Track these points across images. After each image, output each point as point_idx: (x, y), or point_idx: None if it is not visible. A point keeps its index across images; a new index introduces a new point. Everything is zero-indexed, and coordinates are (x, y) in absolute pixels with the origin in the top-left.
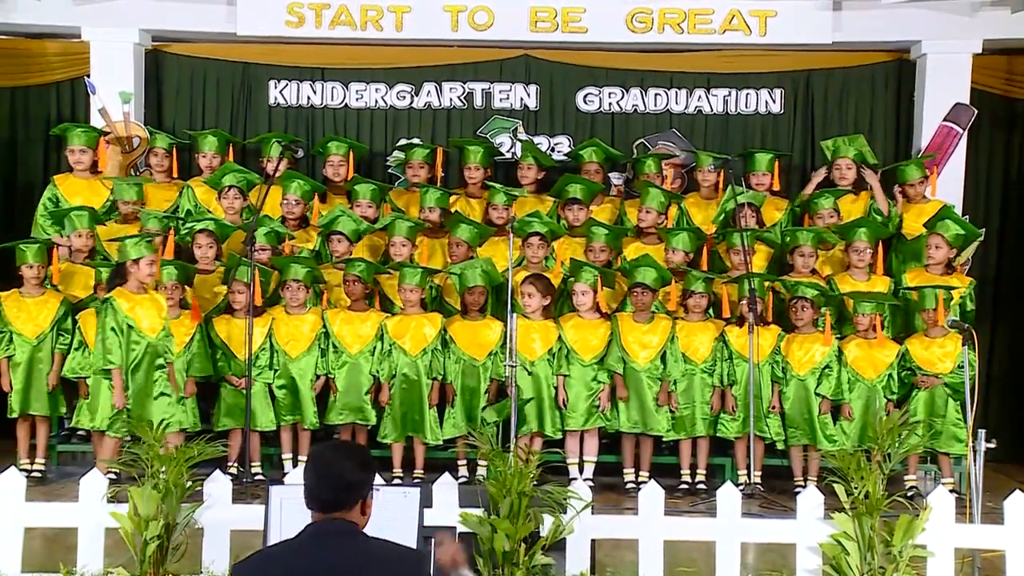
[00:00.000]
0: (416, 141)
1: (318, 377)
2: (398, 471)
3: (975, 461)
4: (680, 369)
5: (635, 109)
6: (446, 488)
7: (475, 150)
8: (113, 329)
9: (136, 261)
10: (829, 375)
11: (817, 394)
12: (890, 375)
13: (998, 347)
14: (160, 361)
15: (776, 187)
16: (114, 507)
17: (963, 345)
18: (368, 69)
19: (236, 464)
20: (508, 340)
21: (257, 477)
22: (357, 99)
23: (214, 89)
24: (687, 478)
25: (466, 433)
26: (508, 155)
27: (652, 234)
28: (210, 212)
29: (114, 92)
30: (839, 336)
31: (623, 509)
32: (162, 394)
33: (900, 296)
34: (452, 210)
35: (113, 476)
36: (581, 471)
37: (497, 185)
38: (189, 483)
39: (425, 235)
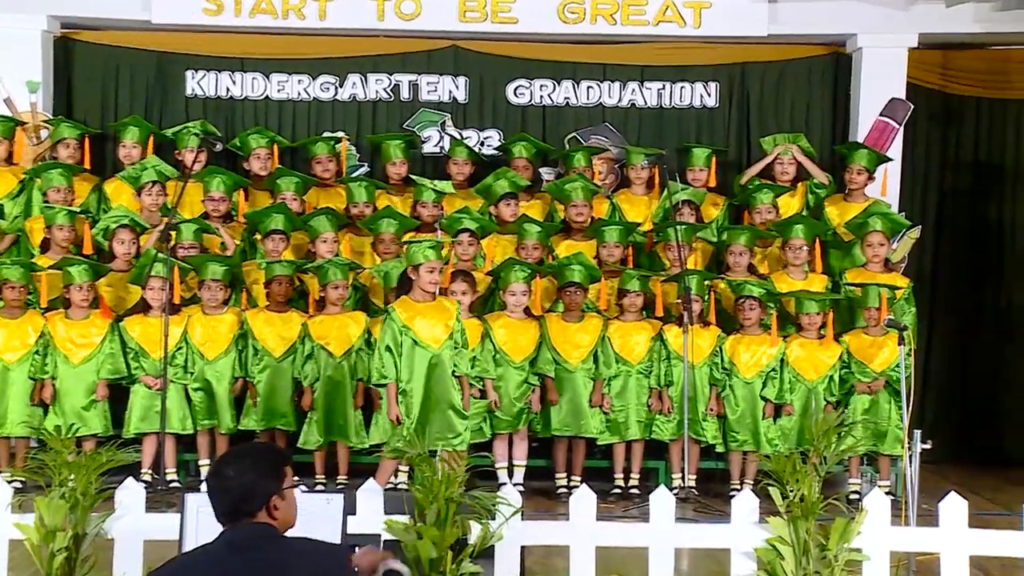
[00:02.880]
0: (340, 134)
1: (236, 379)
2: (321, 477)
3: (911, 462)
4: (612, 370)
5: (567, 102)
6: (370, 494)
7: (395, 144)
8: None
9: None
10: (774, 378)
11: (762, 397)
12: (831, 377)
13: (935, 347)
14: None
15: (713, 183)
16: (19, 517)
17: (899, 345)
18: (290, 60)
19: (150, 471)
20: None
21: (172, 484)
22: (279, 91)
23: (128, 79)
24: (620, 482)
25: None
26: (436, 149)
27: (583, 231)
28: (123, 208)
29: (20, 81)
30: (783, 336)
31: (554, 515)
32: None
33: (842, 294)
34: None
35: (19, 485)
36: (511, 476)
37: (425, 181)
38: (99, 491)
39: (351, 232)
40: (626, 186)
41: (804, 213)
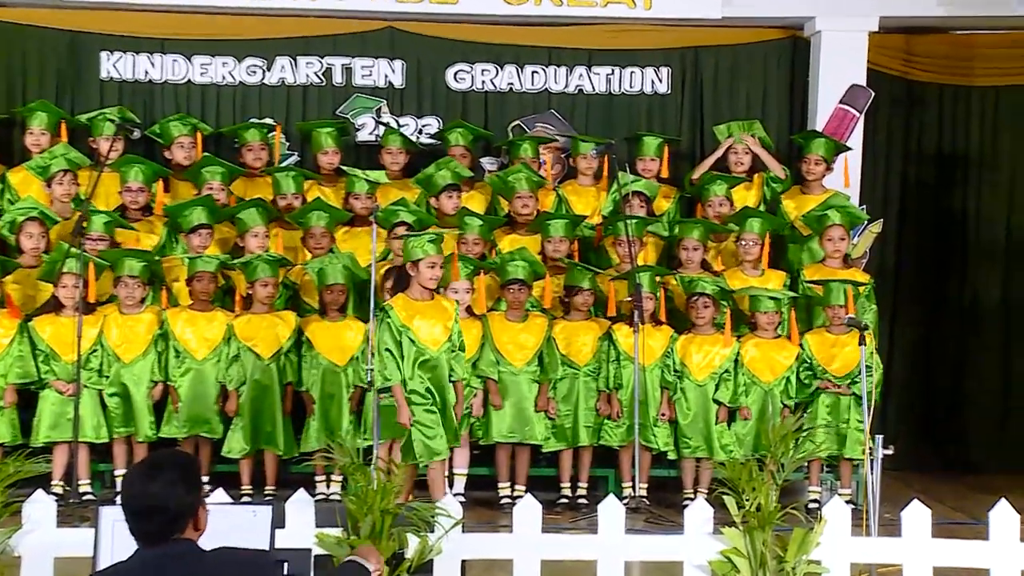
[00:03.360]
0: (268, 121)
1: (156, 384)
2: (247, 488)
3: (872, 469)
4: (559, 372)
5: (510, 88)
6: (300, 506)
7: (327, 132)
8: None
9: None
10: (728, 380)
11: (715, 400)
12: (788, 379)
13: (897, 346)
14: None
15: (665, 174)
16: None
17: (860, 345)
18: (214, 41)
19: (61, 483)
20: (370, 342)
21: (86, 497)
22: (202, 74)
23: (37, 61)
24: (567, 491)
25: (325, 445)
26: (371, 137)
27: (528, 224)
28: (32, 200)
29: None
30: (737, 336)
31: (497, 526)
32: None
33: (800, 291)
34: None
35: None
36: (451, 485)
37: (357, 171)
38: (5, 505)
39: (280, 226)
40: (573, 177)
41: (760, 207)
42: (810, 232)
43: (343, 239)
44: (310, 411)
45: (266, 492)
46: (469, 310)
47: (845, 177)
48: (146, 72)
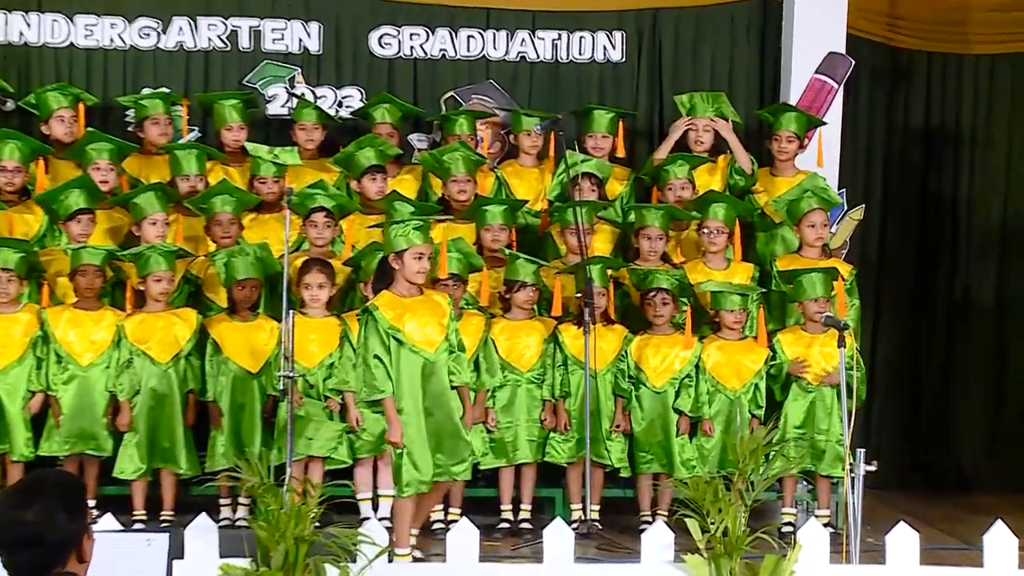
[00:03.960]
0: (164, 90)
1: (33, 394)
2: (141, 513)
3: (853, 487)
4: (497, 379)
5: (443, 55)
6: (202, 533)
7: (231, 105)
8: None
9: None
10: (689, 386)
11: (675, 409)
12: (756, 385)
13: (880, 349)
14: None
15: (620, 152)
16: None
17: (839, 347)
18: None
19: None
20: (284, 344)
21: None
22: (86, 36)
23: None
24: (508, 515)
25: (233, 464)
26: (283, 111)
27: (463, 210)
28: None
29: None
30: (699, 337)
31: (429, 555)
32: None
33: (772, 285)
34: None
35: None
36: (376, 508)
37: (262, 149)
38: None
39: (180, 212)
40: (514, 156)
41: (725, 191)
42: (782, 219)
43: (249, 227)
44: (216, 424)
45: (163, 518)
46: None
47: (819, 155)
48: (20, 34)
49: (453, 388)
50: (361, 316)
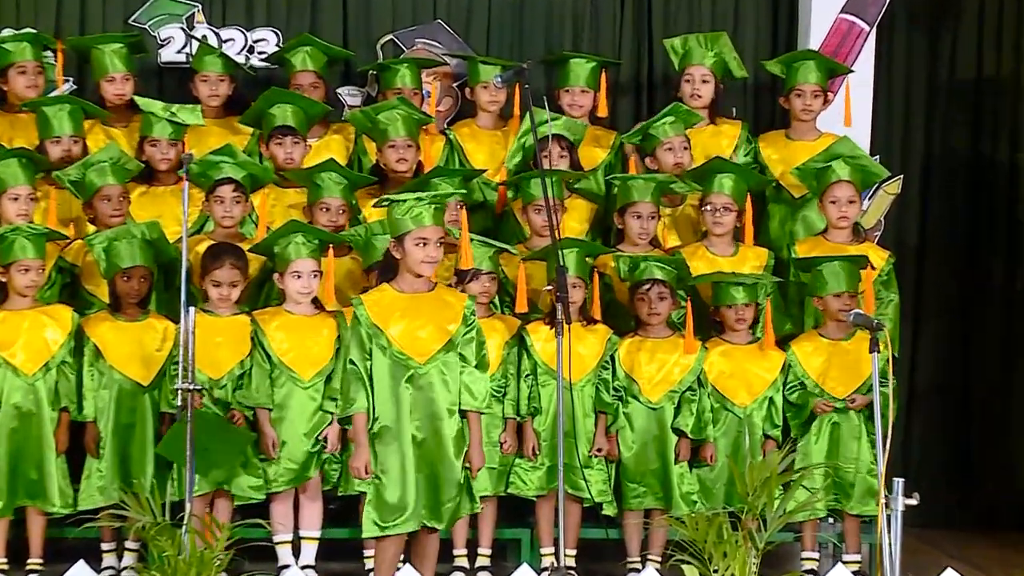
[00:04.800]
0: (31, 31)
1: None
2: (2, 562)
3: (889, 527)
4: None
5: None
6: None
7: (114, 50)
8: None
9: None
10: (692, 400)
11: (674, 430)
12: (771, 399)
13: (922, 354)
14: None
15: (602, 111)
16: None
17: (872, 352)
18: None
19: None
20: (182, 349)
21: None
22: None
23: None
24: (463, 561)
25: (119, 500)
26: (181, 58)
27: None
28: None
29: None
30: (702, 340)
31: None
32: None
33: (789, 276)
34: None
35: None
36: (297, 554)
37: (156, 105)
38: None
39: (51, 184)
40: (470, 116)
41: (734, 157)
42: (804, 193)
43: (139, 202)
44: (93, 450)
45: (29, 567)
46: (318, 303)
47: (845, 113)
48: None
49: (460, 412)
50: (338, 317)
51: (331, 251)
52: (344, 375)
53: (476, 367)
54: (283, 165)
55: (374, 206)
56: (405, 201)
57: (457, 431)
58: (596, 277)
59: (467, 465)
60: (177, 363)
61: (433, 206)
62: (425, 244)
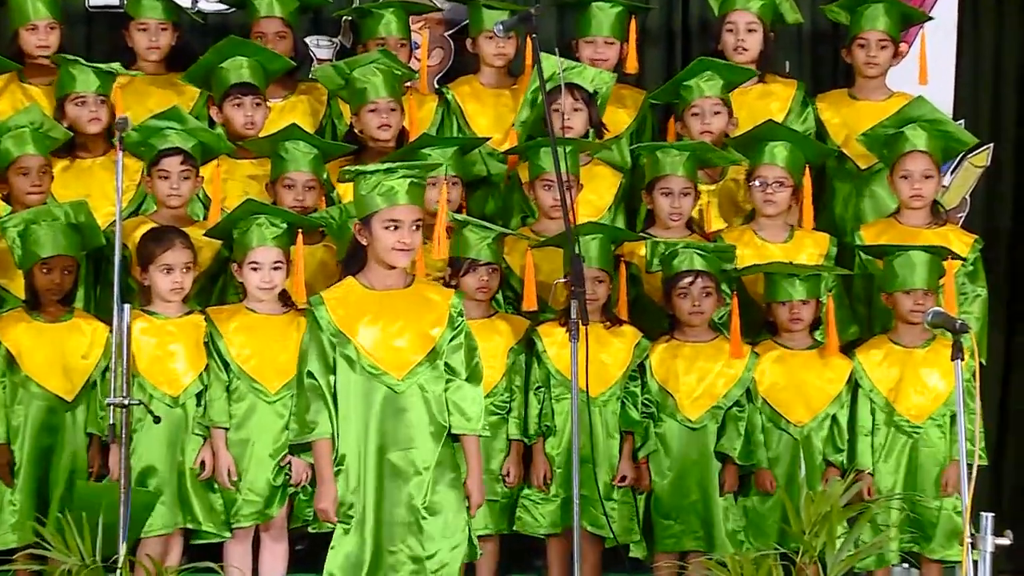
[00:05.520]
0: None
1: None
2: None
3: (977, 573)
4: None
5: None
6: None
7: None
8: None
9: None
10: (739, 418)
11: (718, 455)
12: (834, 417)
13: (1018, 362)
14: None
15: (632, 67)
16: None
17: (954, 360)
18: None
19: None
20: (115, 357)
21: None
22: None
23: None
24: None
25: (35, 540)
26: (115, 2)
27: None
28: None
29: None
30: (751, 343)
31: None
32: None
33: (855, 267)
34: None
35: None
36: None
37: (78, 60)
38: None
39: None
40: (470, 71)
41: (789, 122)
42: (872, 164)
43: (63, 178)
44: (6, 478)
45: None
46: (285, 297)
47: (921, 69)
48: None
49: (452, 437)
50: (298, 314)
51: (300, 237)
52: (301, 392)
53: (467, 380)
54: (242, 131)
55: (339, 180)
56: (373, 173)
57: (442, 461)
58: (623, 268)
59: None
60: (109, 372)
61: (408, 180)
62: (397, 227)
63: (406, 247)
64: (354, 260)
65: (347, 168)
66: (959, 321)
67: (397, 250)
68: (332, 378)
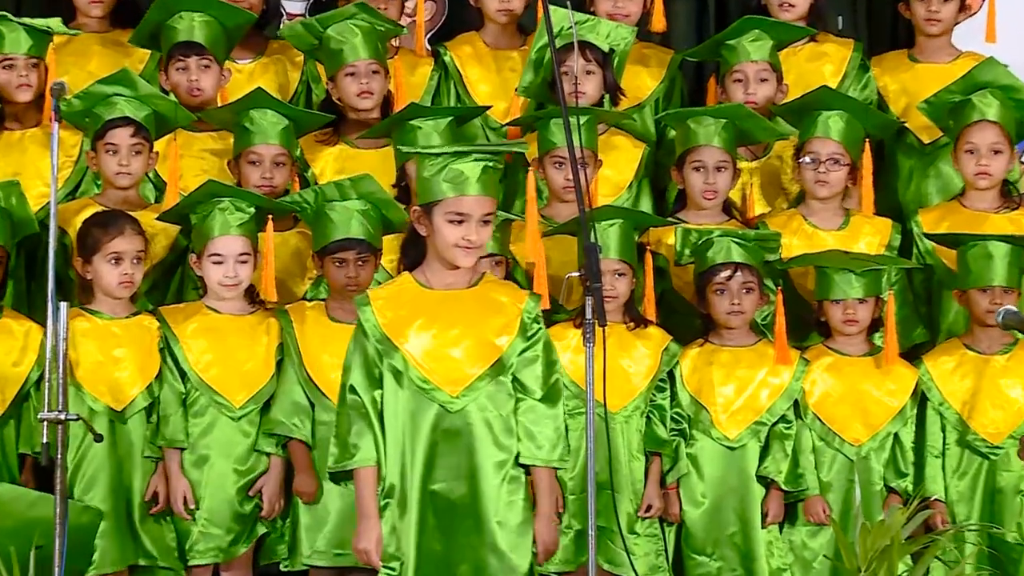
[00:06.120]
0: None
1: None
2: None
3: None
4: None
5: None
6: None
7: None
8: None
9: None
10: (785, 436)
11: (760, 479)
12: (896, 436)
13: None
14: None
15: (658, 24)
16: None
17: None
18: None
19: None
20: (50, 363)
21: None
22: None
23: None
24: None
25: None
26: None
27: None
28: None
29: None
30: (800, 348)
31: None
32: None
33: (913, 258)
34: None
35: None
36: None
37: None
38: None
39: None
40: (473, 27)
41: (843, 88)
42: (937, 137)
43: None
44: None
45: None
46: (253, 294)
47: (988, 24)
48: None
49: (522, 468)
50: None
51: (270, 224)
52: (343, 410)
53: (542, 400)
54: (186, 98)
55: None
56: (439, 155)
57: (511, 498)
58: (648, 259)
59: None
60: (43, 381)
61: (482, 165)
62: (462, 221)
63: (471, 245)
64: (411, 251)
65: (417, 151)
66: None
67: (460, 247)
68: (379, 393)
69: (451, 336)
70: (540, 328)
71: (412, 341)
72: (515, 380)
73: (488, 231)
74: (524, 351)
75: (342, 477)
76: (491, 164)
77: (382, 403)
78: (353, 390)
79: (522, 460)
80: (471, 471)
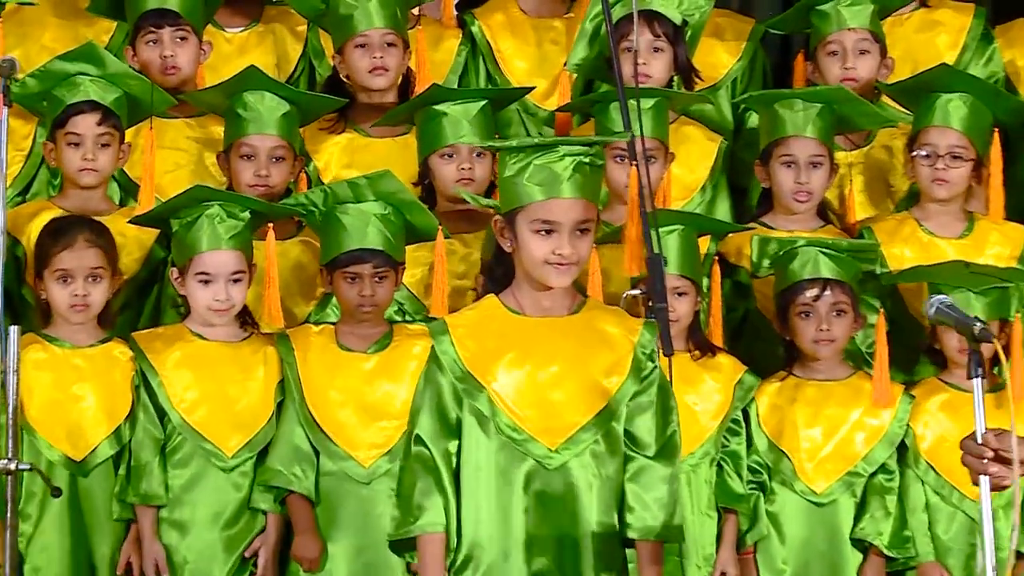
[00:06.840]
0: None
1: None
2: None
3: None
4: None
5: None
6: None
7: None
8: None
9: None
10: (887, 490)
11: (854, 542)
12: None
13: None
14: None
15: None
16: None
17: None
18: None
19: None
20: (10, 405)
21: None
22: None
23: None
24: None
25: None
26: None
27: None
28: None
29: None
30: (905, 383)
31: None
32: None
33: None
34: None
35: None
36: None
37: None
38: None
39: None
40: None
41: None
42: None
43: None
44: None
45: None
46: (247, 316)
47: None
48: None
49: (629, 539)
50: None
51: (271, 233)
52: (408, 464)
53: (655, 457)
54: (160, 78)
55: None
56: (524, 150)
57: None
58: (716, 272)
59: None
60: None
61: (575, 162)
62: (552, 231)
63: (564, 260)
64: (497, 271)
65: (496, 144)
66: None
67: (551, 264)
68: (454, 445)
69: (550, 375)
70: (655, 367)
71: (501, 379)
72: (625, 432)
73: (587, 243)
74: (637, 395)
75: (405, 548)
76: (586, 160)
77: (458, 456)
78: (420, 440)
79: (630, 534)
80: (574, 539)
